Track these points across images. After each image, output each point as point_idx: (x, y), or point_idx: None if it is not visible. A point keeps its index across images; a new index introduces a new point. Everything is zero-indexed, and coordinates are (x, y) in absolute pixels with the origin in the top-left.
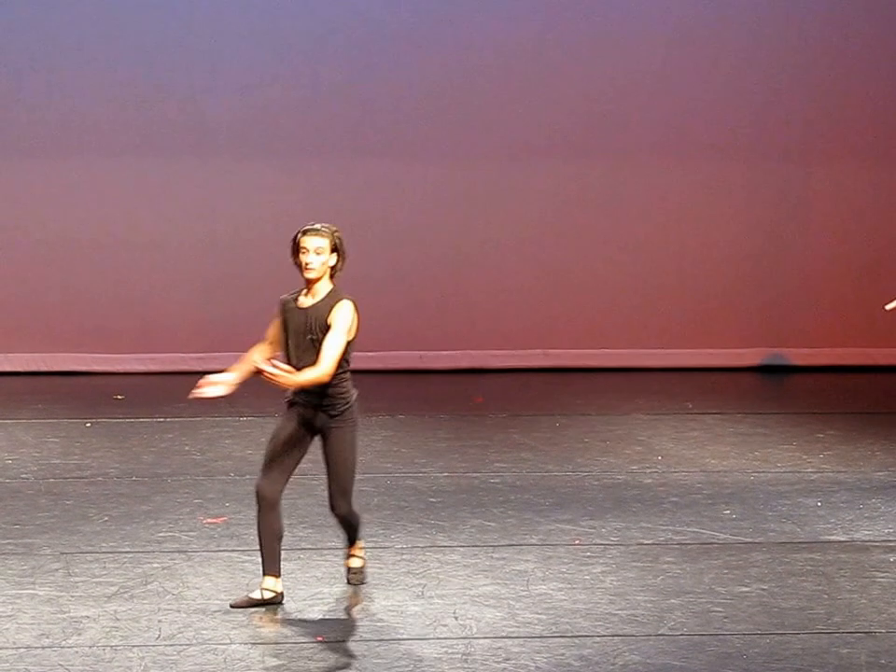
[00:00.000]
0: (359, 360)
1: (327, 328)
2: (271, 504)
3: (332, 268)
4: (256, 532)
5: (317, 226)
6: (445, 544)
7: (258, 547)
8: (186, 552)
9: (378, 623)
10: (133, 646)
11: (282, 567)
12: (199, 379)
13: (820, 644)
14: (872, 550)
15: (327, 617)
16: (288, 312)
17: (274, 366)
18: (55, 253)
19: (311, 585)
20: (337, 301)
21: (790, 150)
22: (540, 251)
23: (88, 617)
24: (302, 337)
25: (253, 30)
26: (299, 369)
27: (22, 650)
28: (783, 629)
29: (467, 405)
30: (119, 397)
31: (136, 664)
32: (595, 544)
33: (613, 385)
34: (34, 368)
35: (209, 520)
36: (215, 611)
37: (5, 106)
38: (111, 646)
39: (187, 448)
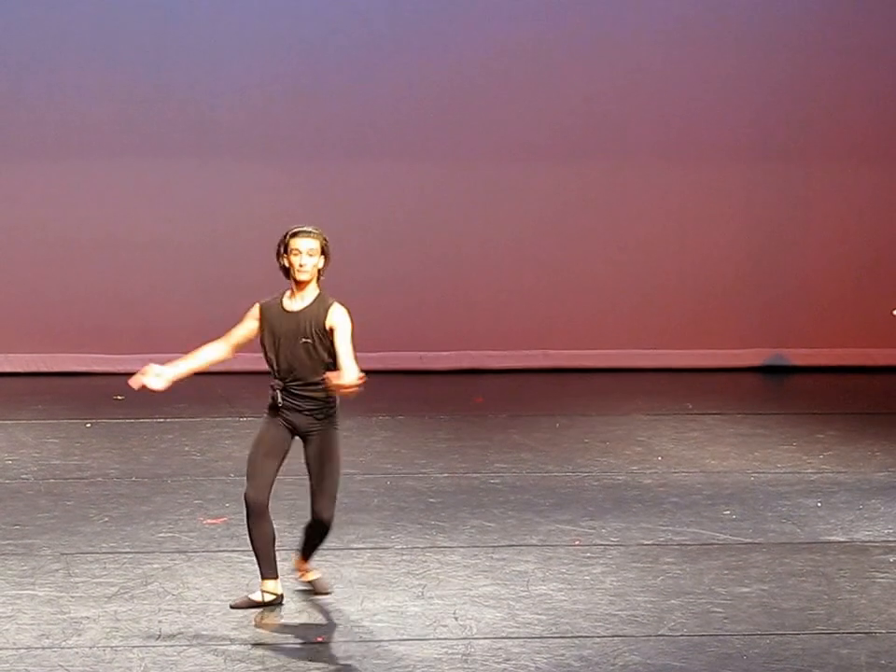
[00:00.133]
0: (359, 361)
1: (323, 331)
2: (261, 510)
3: (319, 271)
4: (248, 539)
5: (308, 228)
6: (445, 545)
7: (252, 553)
8: (186, 552)
9: (378, 624)
10: (134, 646)
11: (280, 567)
12: (199, 380)
13: (820, 645)
14: (872, 550)
15: (327, 617)
16: (273, 317)
17: (345, 379)
18: (55, 253)
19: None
20: (329, 306)
21: (789, 151)
22: (540, 252)
23: (88, 617)
24: (294, 341)
25: (253, 31)
26: (289, 373)
27: (23, 650)
28: (783, 630)
29: (467, 406)
30: (119, 397)
31: (136, 664)
32: (594, 545)
33: (613, 386)
34: (34, 368)
35: (209, 520)
36: (215, 612)
37: (4, 107)
38: (111, 646)
39: (187, 449)
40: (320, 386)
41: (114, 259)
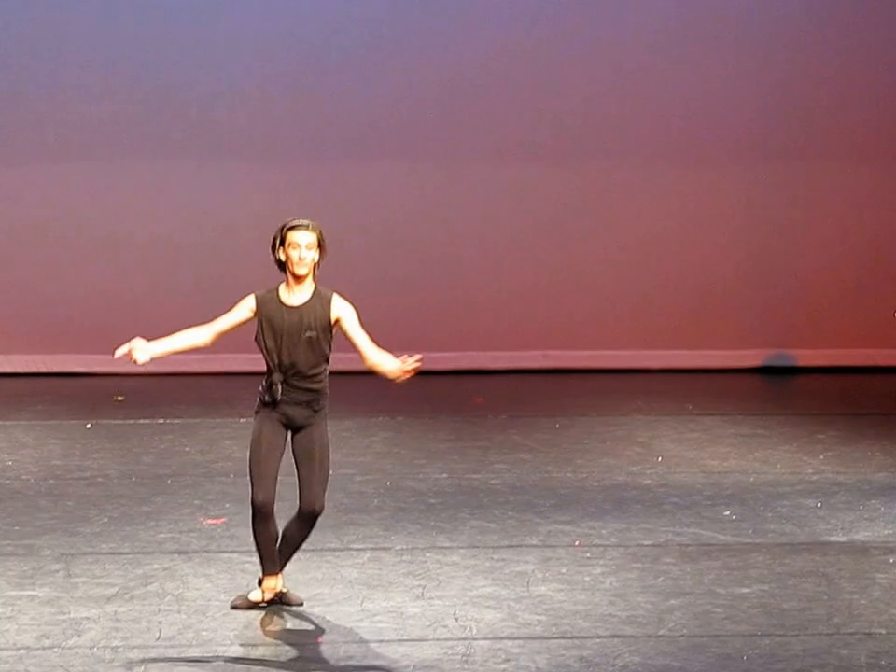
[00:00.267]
0: (359, 361)
1: (327, 324)
2: (269, 512)
3: (315, 264)
4: (253, 540)
5: (304, 221)
6: (445, 545)
7: (255, 552)
8: (186, 553)
9: (378, 624)
10: (134, 647)
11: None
12: (199, 380)
13: (821, 645)
14: (872, 551)
15: (326, 618)
16: (273, 311)
17: (409, 363)
18: (55, 253)
19: (310, 586)
20: (330, 298)
21: (790, 151)
22: (540, 252)
23: (88, 618)
24: (297, 336)
25: (253, 31)
26: (290, 367)
27: (23, 651)
28: (783, 630)
29: (467, 406)
30: (119, 398)
31: (136, 665)
32: (594, 545)
33: (613, 387)
34: (34, 369)
35: (209, 521)
36: (215, 612)
37: (4, 107)
38: (111, 647)
39: (187, 449)
40: (318, 378)
41: (114, 259)
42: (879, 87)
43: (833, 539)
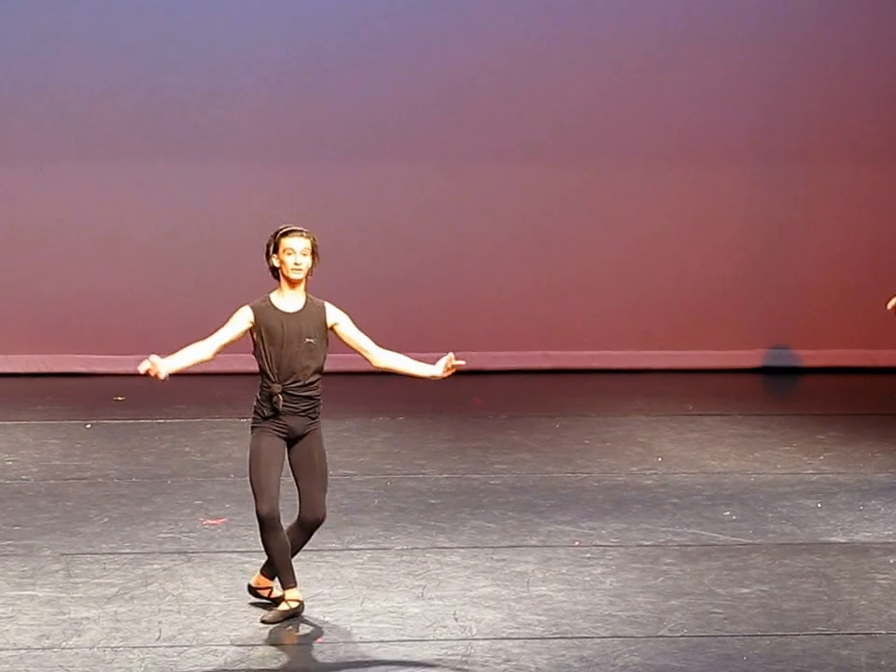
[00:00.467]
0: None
1: (324, 331)
2: (276, 523)
3: (309, 271)
4: (266, 553)
5: (298, 228)
6: (445, 545)
7: (270, 564)
8: (186, 553)
9: (378, 625)
10: (134, 647)
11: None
12: (199, 380)
13: (821, 645)
14: (872, 551)
15: (327, 618)
16: (271, 319)
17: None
18: (55, 254)
19: (311, 587)
20: (323, 305)
21: (791, 151)
22: (541, 252)
23: (88, 618)
24: (298, 343)
25: (253, 31)
26: (290, 375)
27: (23, 651)
28: (783, 630)
29: (467, 406)
30: (119, 398)
31: (137, 665)
32: (595, 545)
33: (613, 387)
34: (34, 369)
35: (209, 521)
36: (215, 612)
37: (4, 108)
38: (111, 647)
39: (187, 449)
40: (316, 385)
41: (114, 260)
42: (879, 87)
43: (833, 539)
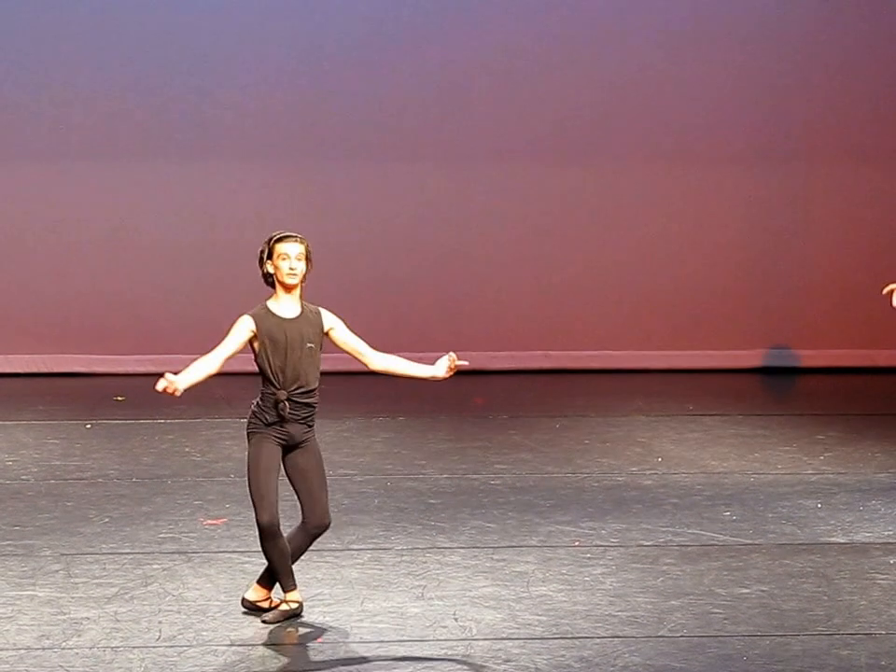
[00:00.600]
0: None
1: (321, 335)
2: (276, 530)
3: (303, 277)
4: (267, 560)
5: (292, 233)
6: (445, 545)
7: (270, 570)
8: (186, 553)
9: (378, 625)
10: (134, 647)
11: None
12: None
13: (820, 646)
14: (872, 551)
15: (327, 618)
16: (272, 326)
17: (450, 361)
18: (55, 254)
19: (311, 587)
20: (318, 310)
21: (790, 151)
22: (541, 252)
23: (88, 618)
24: (300, 348)
25: (253, 31)
26: (294, 381)
27: (23, 651)
28: (783, 631)
29: (467, 407)
30: (119, 398)
31: (137, 665)
32: (595, 546)
33: (613, 387)
34: (34, 369)
35: (209, 521)
36: (215, 613)
37: (4, 107)
38: (111, 647)
39: (187, 450)
40: (315, 392)
41: (114, 259)
42: (879, 87)
43: (833, 539)
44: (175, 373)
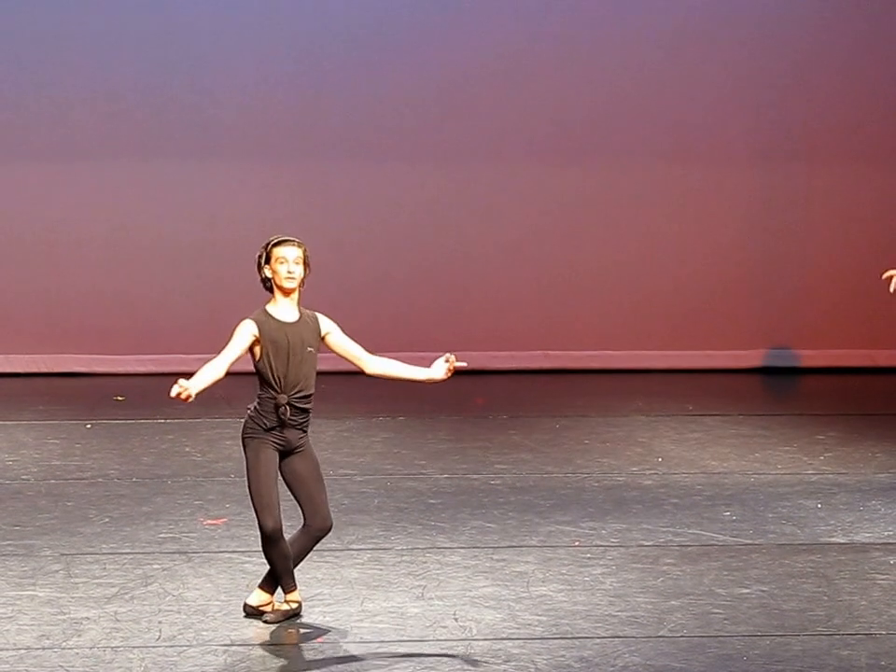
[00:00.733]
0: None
1: (319, 340)
2: (280, 535)
3: (301, 281)
4: (269, 563)
5: (290, 237)
6: (445, 545)
7: (272, 573)
8: (186, 553)
9: (378, 625)
10: (134, 647)
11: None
12: None
13: (821, 646)
14: (872, 552)
15: (327, 618)
16: (273, 330)
17: (448, 362)
18: (55, 254)
19: (311, 587)
20: (315, 314)
21: (791, 151)
22: (541, 252)
23: (88, 618)
24: (301, 352)
25: (253, 31)
26: (295, 385)
27: (23, 651)
28: (783, 631)
29: (467, 407)
30: (119, 398)
31: (137, 665)
32: (595, 546)
33: (614, 387)
34: (34, 369)
35: (209, 521)
36: (215, 612)
37: (3, 107)
38: (111, 647)
39: (187, 449)
40: (312, 397)
41: (114, 259)
42: (881, 87)
43: (833, 539)
44: (185, 377)
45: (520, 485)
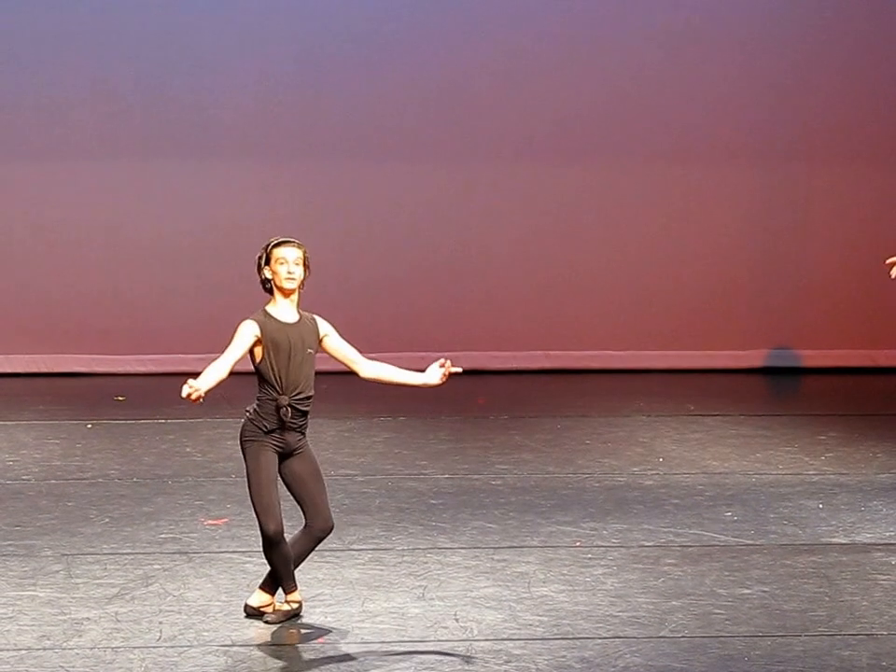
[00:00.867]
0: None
1: (318, 341)
2: (281, 538)
3: (301, 283)
4: (270, 565)
5: (290, 238)
6: (446, 546)
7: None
8: (187, 553)
9: (379, 625)
10: (135, 647)
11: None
12: None
13: (822, 646)
14: (873, 552)
15: (328, 619)
16: (275, 331)
17: (443, 367)
18: (55, 254)
19: (312, 587)
20: (314, 316)
21: (791, 151)
22: (541, 253)
23: (89, 619)
24: (301, 353)
25: (253, 31)
26: (295, 387)
27: (23, 651)
28: (784, 631)
29: (468, 407)
30: (119, 398)
31: (137, 665)
32: (596, 546)
33: (615, 387)
34: (34, 369)
35: (210, 521)
36: (216, 613)
37: (3, 107)
38: (112, 647)
39: (188, 449)
40: (311, 399)
41: (114, 259)
42: (881, 87)
43: (834, 540)
44: (185, 377)
45: (521, 486)
